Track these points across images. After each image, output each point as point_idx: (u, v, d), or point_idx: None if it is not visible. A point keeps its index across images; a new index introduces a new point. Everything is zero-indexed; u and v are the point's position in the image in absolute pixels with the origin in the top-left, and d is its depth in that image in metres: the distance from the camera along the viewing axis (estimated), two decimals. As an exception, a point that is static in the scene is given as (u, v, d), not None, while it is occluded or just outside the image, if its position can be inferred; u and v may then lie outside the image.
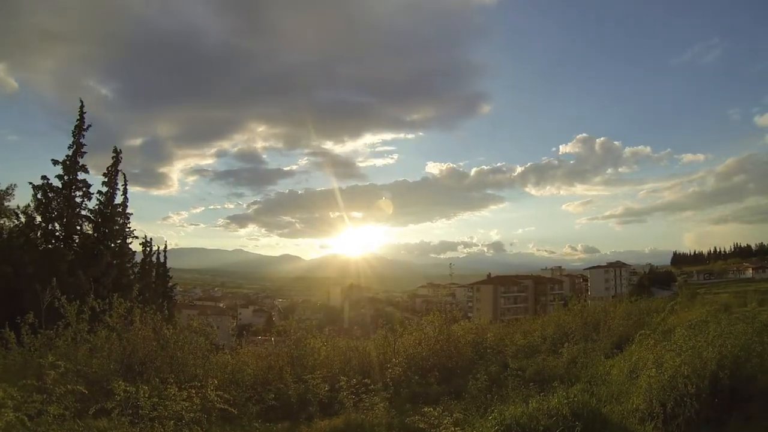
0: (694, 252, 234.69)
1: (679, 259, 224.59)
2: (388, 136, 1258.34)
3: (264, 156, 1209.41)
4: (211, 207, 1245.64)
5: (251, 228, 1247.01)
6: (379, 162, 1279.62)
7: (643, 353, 8.96)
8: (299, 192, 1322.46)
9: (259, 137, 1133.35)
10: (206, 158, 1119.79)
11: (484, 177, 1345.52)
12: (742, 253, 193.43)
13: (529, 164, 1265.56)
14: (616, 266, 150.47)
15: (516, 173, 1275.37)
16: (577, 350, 12.85)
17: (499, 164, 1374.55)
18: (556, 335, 15.76)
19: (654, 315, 17.96)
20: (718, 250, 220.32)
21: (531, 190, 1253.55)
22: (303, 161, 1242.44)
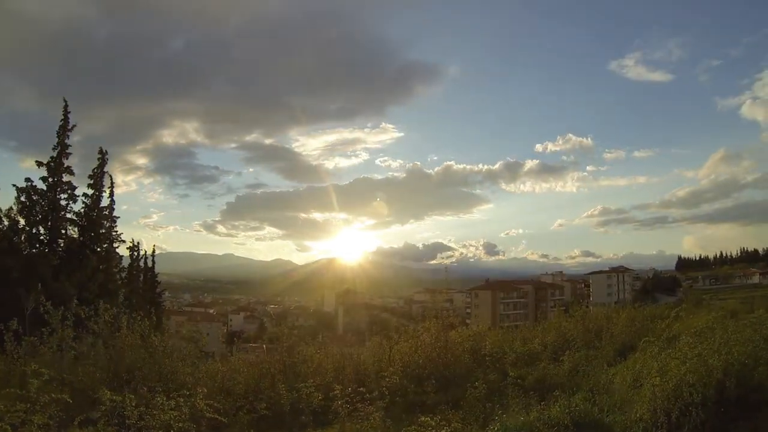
0: (700, 256, 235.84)
1: (683, 263, 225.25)
2: (343, 132, 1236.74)
3: (196, 153, 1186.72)
4: (176, 210, 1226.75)
5: (221, 230, 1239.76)
6: (339, 161, 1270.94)
7: (647, 361, 8.95)
8: (257, 192, 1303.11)
9: (182, 133, 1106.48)
10: (140, 157, 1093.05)
11: (455, 175, 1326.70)
12: (748, 257, 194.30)
13: (499, 163, 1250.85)
14: (619, 271, 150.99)
15: (490, 171, 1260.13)
16: (579, 358, 12.84)
17: (469, 162, 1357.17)
18: (557, 342, 15.75)
19: (658, 321, 17.99)
20: (724, 254, 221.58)
21: (508, 188, 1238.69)
22: (241, 158, 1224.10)
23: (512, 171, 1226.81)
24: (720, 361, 7.53)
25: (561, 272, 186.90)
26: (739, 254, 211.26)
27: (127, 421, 7.05)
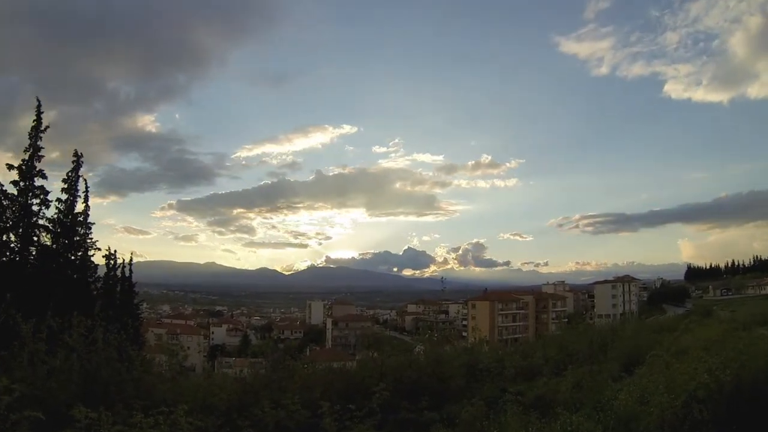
0: (710, 265, 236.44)
1: (693, 273, 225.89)
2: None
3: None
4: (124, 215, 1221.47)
5: (159, 230, 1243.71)
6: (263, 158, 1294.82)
7: (653, 376, 8.96)
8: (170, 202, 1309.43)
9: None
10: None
11: (401, 174, 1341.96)
12: (762, 266, 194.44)
13: (442, 158, 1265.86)
14: (625, 281, 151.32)
15: (447, 166, 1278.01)
16: (582, 373, 12.83)
17: (423, 158, 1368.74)
18: (559, 356, 15.75)
19: (666, 334, 18.04)
20: (736, 263, 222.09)
21: (469, 185, 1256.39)
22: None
23: (461, 172, 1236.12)
24: (731, 376, 7.55)
25: (563, 282, 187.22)
26: (752, 263, 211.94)
27: (103, 440, 7.02)
